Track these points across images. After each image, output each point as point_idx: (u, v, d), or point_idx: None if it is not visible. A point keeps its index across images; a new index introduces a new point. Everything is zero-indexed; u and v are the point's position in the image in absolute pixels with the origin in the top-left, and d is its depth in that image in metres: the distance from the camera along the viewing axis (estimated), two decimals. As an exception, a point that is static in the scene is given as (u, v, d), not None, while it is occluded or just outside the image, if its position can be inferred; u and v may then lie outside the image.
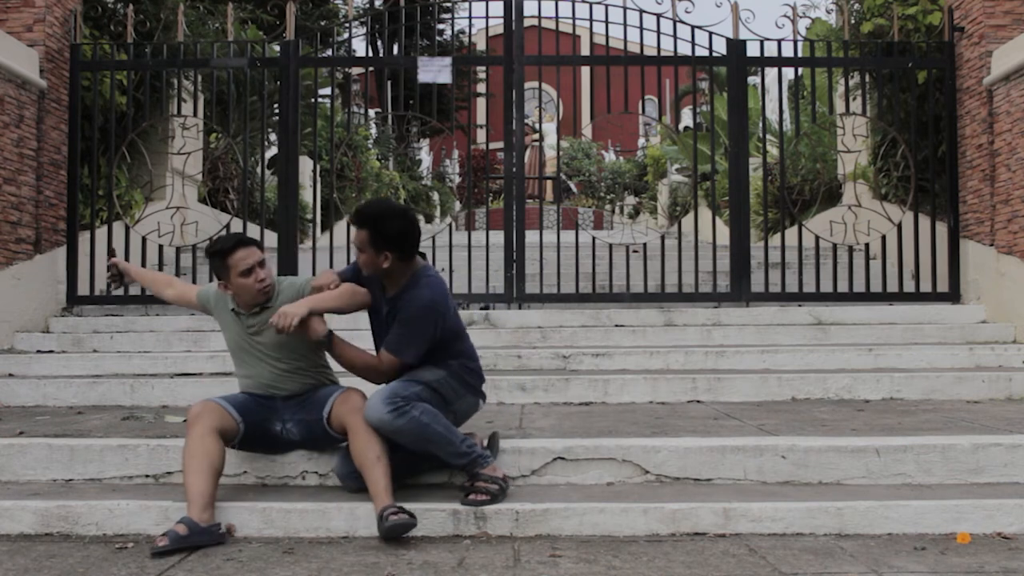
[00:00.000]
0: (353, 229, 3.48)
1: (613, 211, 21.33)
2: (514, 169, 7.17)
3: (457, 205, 21.45)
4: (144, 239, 7.13)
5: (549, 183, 19.08)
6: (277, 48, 7.35)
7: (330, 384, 3.72)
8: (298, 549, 3.17)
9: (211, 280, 4.02)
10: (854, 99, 8.12)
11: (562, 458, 3.73)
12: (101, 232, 7.10)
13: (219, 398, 3.58)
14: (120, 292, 3.93)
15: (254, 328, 3.60)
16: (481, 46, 23.07)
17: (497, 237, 7.18)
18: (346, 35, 8.46)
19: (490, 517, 3.31)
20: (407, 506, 3.25)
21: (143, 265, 7.26)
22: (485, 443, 3.67)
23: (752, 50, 7.52)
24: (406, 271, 3.50)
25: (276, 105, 7.76)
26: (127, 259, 7.03)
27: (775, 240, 7.60)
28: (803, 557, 3.02)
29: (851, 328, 6.51)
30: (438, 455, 3.44)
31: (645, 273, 7.15)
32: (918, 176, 7.15)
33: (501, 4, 7.20)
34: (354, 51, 12.16)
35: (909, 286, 7.18)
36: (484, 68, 8.58)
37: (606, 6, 7.19)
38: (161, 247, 7.07)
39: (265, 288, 3.54)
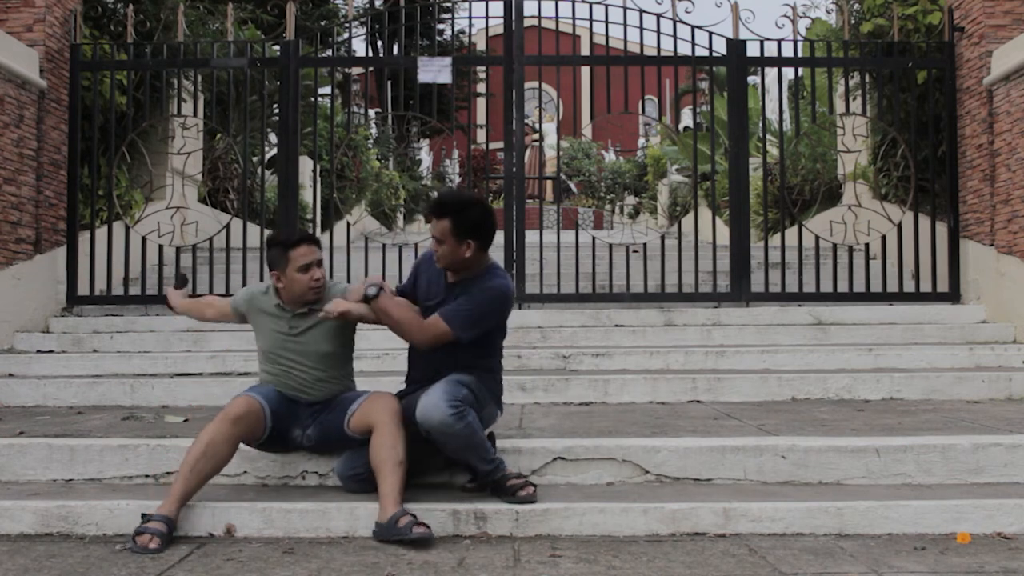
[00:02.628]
0: (432, 220, 3.47)
1: (613, 211, 21.32)
2: (514, 169, 7.17)
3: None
4: (144, 239, 7.14)
5: (549, 183, 19.08)
6: (277, 48, 7.35)
7: (352, 391, 3.71)
8: (298, 549, 3.17)
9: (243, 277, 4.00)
10: (854, 99, 8.12)
11: (562, 458, 3.73)
12: (101, 232, 7.10)
13: (262, 398, 3.49)
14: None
15: (298, 329, 3.59)
16: (481, 46, 23.07)
17: (497, 237, 7.16)
18: (346, 35, 8.46)
19: (490, 517, 3.31)
20: (407, 506, 3.24)
21: (143, 265, 7.28)
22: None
23: (752, 50, 7.52)
24: (482, 262, 3.55)
25: (276, 105, 7.76)
26: (127, 259, 7.05)
27: (775, 240, 7.60)
28: (803, 557, 3.02)
29: (851, 328, 6.51)
30: (469, 461, 3.44)
31: (645, 273, 7.15)
32: (918, 176, 7.15)
33: (501, 4, 7.19)
34: (354, 51, 12.16)
35: (909, 286, 7.18)
36: (484, 68, 8.57)
37: (606, 6, 7.19)
38: (161, 247, 7.07)
39: (318, 288, 3.56)
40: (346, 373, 3.73)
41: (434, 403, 3.27)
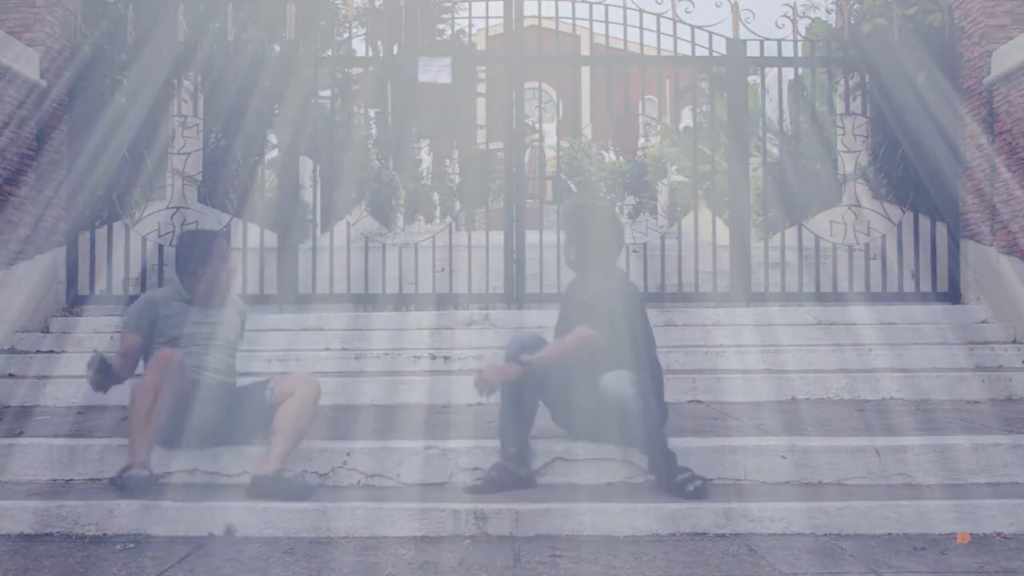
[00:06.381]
0: None
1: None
2: (514, 169, 7.17)
3: (457, 205, 21.44)
4: (144, 239, 7.13)
5: (549, 183, 19.10)
6: (278, 48, 7.34)
7: None
8: (298, 549, 3.17)
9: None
10: (854, 99, 8.11)
11: (562, 458, 3.73)
12: (101, 232, 7.09)
13: None
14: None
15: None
16: (481, 46, 23.07)
17: (497, 237, 7.17)
18: (346, 35, 8.46)
19: (490, 517, 3.31)
20: (408, 505, 3.25)
21: (143, 265, 7.26)
22: None
23: (752, 50, 7.51)
24: (585, 270, 3.89)
25: (276, 105, 7.76)
26: (127, 259, 7.04)
27: (775, 240, 7.60)
28: (803, 557, 3.01)
29: (851, 328, 6.49)
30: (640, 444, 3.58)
31: (645, 273, 7.14)
32: (918, 176, 7.14)
33: (501, 4, 7.19)
34: (354, 51, 12.15)
35: (909, 286, 7.17)
36: (484, 68, 8.57)
37: (606, 6, 7.18)
38: (161, 247, 7.06)
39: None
40: None
41: (621, 382, 3.54)
